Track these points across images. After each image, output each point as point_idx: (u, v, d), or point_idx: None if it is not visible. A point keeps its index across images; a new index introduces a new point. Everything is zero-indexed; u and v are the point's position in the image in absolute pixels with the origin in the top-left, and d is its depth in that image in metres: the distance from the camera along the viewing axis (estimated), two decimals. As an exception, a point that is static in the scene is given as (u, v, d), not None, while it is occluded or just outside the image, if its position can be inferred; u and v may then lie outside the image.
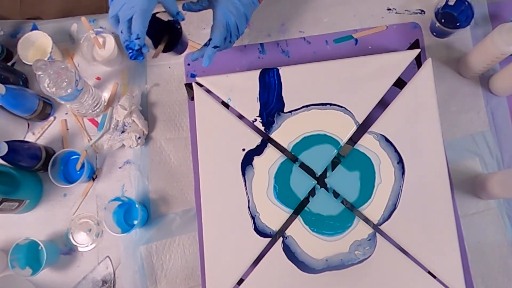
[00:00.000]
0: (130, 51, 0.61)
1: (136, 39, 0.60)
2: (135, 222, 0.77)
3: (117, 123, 0.82)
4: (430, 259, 0.70)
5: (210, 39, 0.70)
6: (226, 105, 0.78)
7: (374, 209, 0.71)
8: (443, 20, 0.81)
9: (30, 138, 0.86)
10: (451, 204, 0.71)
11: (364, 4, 0.88)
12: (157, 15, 0.67)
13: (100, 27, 0.84)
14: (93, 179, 0.83)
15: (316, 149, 0.74)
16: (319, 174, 0.74)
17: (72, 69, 0.75)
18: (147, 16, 0.60)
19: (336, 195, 0.73)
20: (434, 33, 0.86)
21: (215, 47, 0.70)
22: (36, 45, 0.87)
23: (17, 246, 0.76)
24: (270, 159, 0.74)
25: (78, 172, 0.81)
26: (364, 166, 0.73)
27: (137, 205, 0.76)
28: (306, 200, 0.73)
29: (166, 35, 0.69)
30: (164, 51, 0.69)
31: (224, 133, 0.76)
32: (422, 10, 0.88)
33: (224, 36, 0.70)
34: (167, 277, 0.79)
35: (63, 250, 0.81)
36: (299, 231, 0.72)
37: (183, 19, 0.67)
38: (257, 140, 0.75)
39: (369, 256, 0.70)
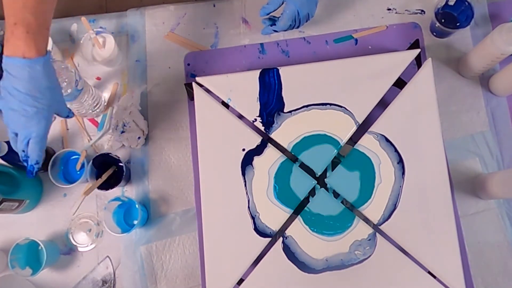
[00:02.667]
0: (29, 172, 0.61)
1: (35, 164, 0.60)
2: (135, 222, 0.77)
3: (117, 123, 0.82)
4: (430, 259, 0.70)
5: (274, 23, 0.78)
6: (226, 105, 0.78)
7: (374, 209, 0.71)
8: (443, 20, 0.81)
9: (30, 138, 0.86)
10: (451, 204, 0.71)
11: (364, 4, 0.88)
12: None
13: (100, 27, 0.84)
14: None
15: (316, 149, 0.74)
16: (319, 174, 0.74)
17: (72, 69, 0.75)
18: (44, 142, 0.60)
19: (336, 195, 0.73)
20: (434, 33, 0.86)
21: (275, 31, 0.79)
22: (36, 45, 0.86)
23: (17, 246, 0.76)
24: (270, 159, 0.74)
25: (78, 172, 0.81)
26: (364, 166, 0.73)
27: (137, 205, 0.76)
28: (306, 200, 0.73)
29: (112, 168, 0.79)
30: (106, 186, 0.77)
31: (224, 133, 0.76)
32: (422, 10, 0.88)
33: (287, 26, 0.77)
34: (167, 277, 0.79)
35: (63, 250, 0.81)
36: (299, 231, 0.72)
37: (69, 116, 0.67)
38: (257, 140, 0.75)
39: (369, 256, 0.70)
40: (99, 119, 0.86)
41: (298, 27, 0.79)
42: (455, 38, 0.85)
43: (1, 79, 0.57)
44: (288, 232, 0.72)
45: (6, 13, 0.54)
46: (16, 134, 0.59)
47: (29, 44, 0.53)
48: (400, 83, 0.77)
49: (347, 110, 0.75)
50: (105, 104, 0.86)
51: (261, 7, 0.76)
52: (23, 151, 0.60)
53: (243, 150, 0.75)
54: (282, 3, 0.76)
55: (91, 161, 0.78)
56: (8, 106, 0.56)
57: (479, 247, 0.77)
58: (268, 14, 0.77)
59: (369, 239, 0.71)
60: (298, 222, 0.72)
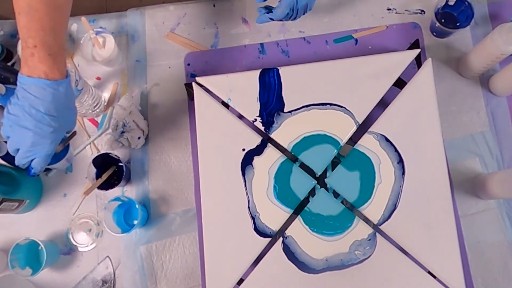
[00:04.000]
0: (32, 175, 0.59)
1: (38, 172, 0.59)
2: (135, 222, 0.77)
3: (117, 123, 0.82)
4: (430, 259, 0.70)
5: (271, 10, 0.73)
6: (226, 105, 0.78)
7: (374, 209, 0.71)
8: (443, 20, 0.81)
9: (30, 138, 0.86)
10: (451, 204, 0.71)
11: (364, 4, 0.88)
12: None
13: (100, 27, 0.84)
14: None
15: (316, 149, 0.74)
16: (319, 174, 0.74)
17: (72, 69, 0.75)
18: (48, 160, 0.58)
19: (336, 195, 0.73)
20: (434, 33, 0.86)
21: (271, 18, 0.73)
22: (36, 45, 0.86)
23: (17, 246, 0.76)
24: (270, 159, 0.74)
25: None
26: (364, 166, 0.73)
27: (137, 205, 0.76)
28: (306, 200, 0.73)
29: (112, 168, 0.79)
30: (106, 186, 0.77)
31: (224, 133, 0.76)
32: (422, 10, 0.88)
33: (285, 14, 0.72)
34: (167, 277, 0.79)
35: (63, 250, 0.81)
36: (299, 231, 0.72)
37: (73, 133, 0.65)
38: (257, 140, 0.75)
39: (369, 256, 0.70)
40: (99, 119, 0.86)
41: (295, 18, 0.75)
42: (455, 38, 0.86)
43: (10, 96, 0.57)
44: (288, 232, 0.72)
45: (22, 34, 0.54)
46: (17, 150, 0.58)
47: (52, 66, 0.54)
48: (400, 83, 0.77)
49: (347, 110, 0.75)
50: (105, 104, 0.86)
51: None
52: (23, 164, 0.58)
53: (243, 150, 0.75)
54: None
55: (91, 161, 0.78)
56: (19, 124, 0.55)
57: (479, 247, 0.77)
58: (264, 0, 0.74)
59: (369, 239, 0.71)
60: (298, 222, 0.72)
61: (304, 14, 0.76)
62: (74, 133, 0.66)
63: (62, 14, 0.57)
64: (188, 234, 0.81)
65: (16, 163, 0.58)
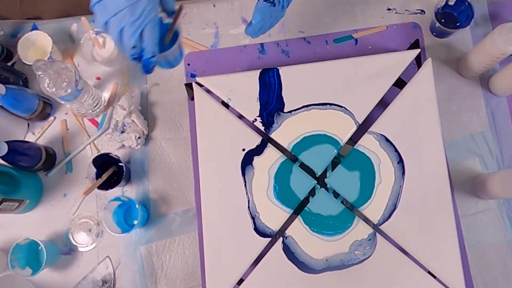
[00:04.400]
0: (146, 66, 0.57)
1: (151, 57, 0.56)
2: (135, 222, 0.77)
3: (117, 123, 0.82)
4: (430, 259, 0.70)
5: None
6: (226, 105, 0.78)
7: (374, 209, 0.71)
8: (443, 20, 0.81)
9: (30, 138, 0.86)
10: (451, 204, 0.71)
11: (364, 4, 0.88)
12: None
13: (100, 27, 0.84)
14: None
15: (316, 149, 0.74)
16: (319, 174, 0.74)
17: (72, 69, 0.75)
18: (157, 31, 0.56)
19: (336, 195, 0.73)
20: (434, 33, 0.86)
21: (268, 0, 0.66)
22: (36, 45, 0.86)
23: (17, 246, 0.76)
24: (270, 159, 0.74)
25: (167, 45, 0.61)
26: (364, 166, 0.73)
27: (137, 205, 0.76)
28: (306, 200, 0.73)
29: (112, 168, 0.79)
30: (106, 186, 0.77)
31: (224, 133, 0.76)
32: (422, 10, 0.88)
33: None
34: (167, 277, 0.79)
35: (63, 250, 0.81)
36: (299, 231, 0.72)
37: (174, 15, 0.60)
38: (257, 140, 0.75)
39: (369, 256, 0.70)
40: (99, 119, 0.86)
41: (283, 6, 0.69)
42: (455, 38, 0.86)
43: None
44: (288, 232, 0.72)
45: None
46: (121, 31, 0.54)
47: None
48: (400, 83, 0.77)
49: (347, 110, 0.75)
50: (105, 104, 0.86)
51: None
52: (134, 47, 0.54)
53: (243, 150, 0.75)
54: None
55: (91, 161, 0.78)
56: None
57: (479, 247, 0.77)
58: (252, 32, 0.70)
59: (369, 239, 0.71)
60: (298, 222, 0.72)
61: (287, 5, 0.70)
62: (180, 9, 0.59)
63: None
64: (188, 234, 0.81)
65: (126, 47, 0.55)
